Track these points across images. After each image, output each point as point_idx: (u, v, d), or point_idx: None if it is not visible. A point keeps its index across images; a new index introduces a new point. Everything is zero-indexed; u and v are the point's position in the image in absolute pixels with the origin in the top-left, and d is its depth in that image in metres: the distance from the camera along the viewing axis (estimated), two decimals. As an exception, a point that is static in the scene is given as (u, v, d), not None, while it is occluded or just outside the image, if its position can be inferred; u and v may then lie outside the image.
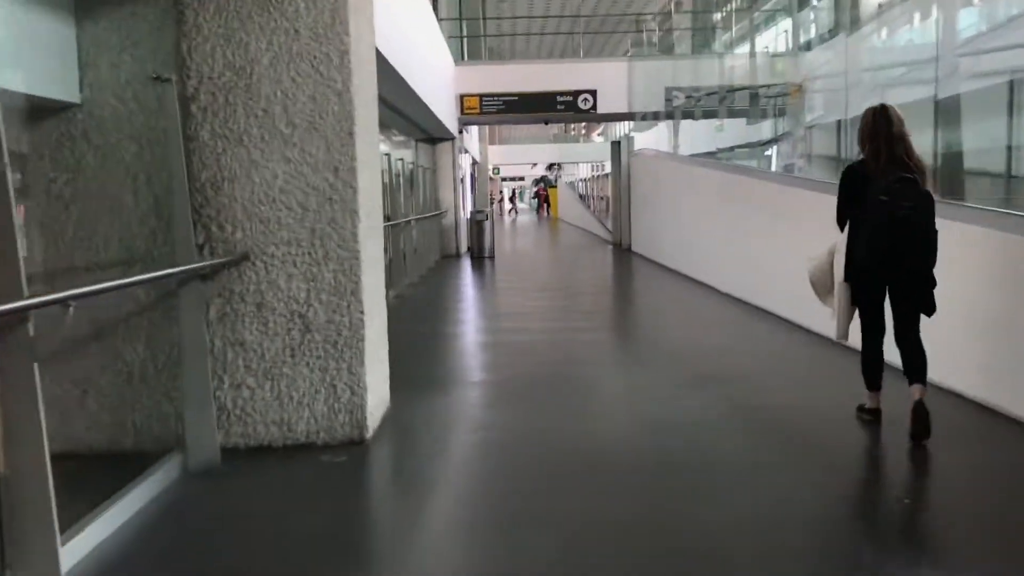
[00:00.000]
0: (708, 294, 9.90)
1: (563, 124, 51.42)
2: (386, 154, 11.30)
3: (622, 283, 12.82)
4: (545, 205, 47.13)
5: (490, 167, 38.49)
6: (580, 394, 5.33)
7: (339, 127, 3.99)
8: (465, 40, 19.04)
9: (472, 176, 21.28)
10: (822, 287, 4.31)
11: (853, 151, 5.52)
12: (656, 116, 16.56)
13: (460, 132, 17.89)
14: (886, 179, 3.84)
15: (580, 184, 35.66)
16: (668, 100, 16.72)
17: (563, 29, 19.33)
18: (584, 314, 9.26)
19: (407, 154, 14.89)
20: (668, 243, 13.59)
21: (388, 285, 10.32)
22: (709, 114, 16.94)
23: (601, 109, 17.30)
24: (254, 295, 3.99)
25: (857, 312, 4.19)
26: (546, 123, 19.04)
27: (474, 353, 7.15)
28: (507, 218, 44.56)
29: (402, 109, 13.47)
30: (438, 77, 15.54)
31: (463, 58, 18.62)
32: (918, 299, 3.99)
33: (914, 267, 3.92)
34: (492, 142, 41.88)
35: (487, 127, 32.13)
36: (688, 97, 16.54)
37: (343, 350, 4.03)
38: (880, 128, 3.96)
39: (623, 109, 17.34)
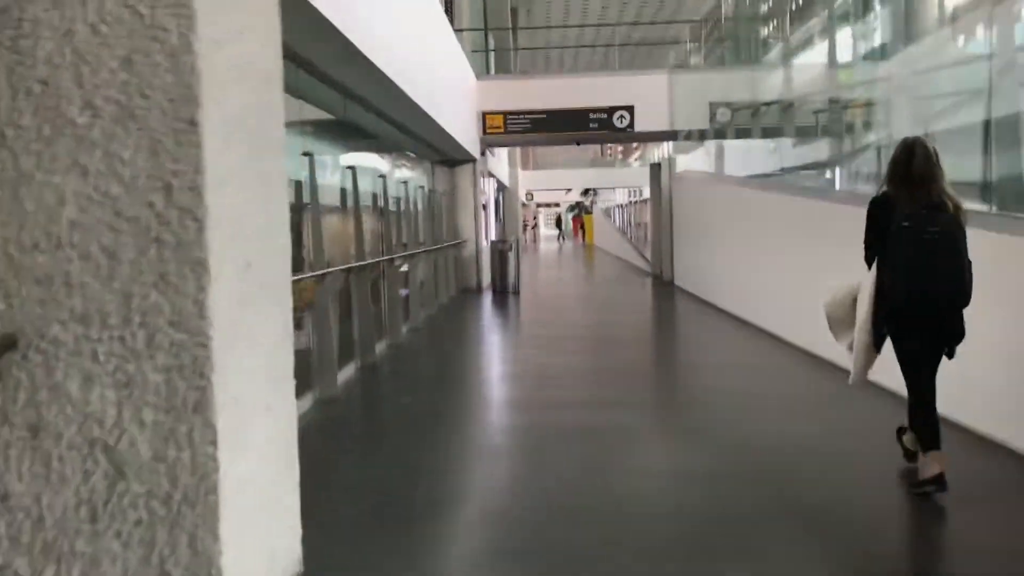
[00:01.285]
0: (776, 349, 8.01)
1: (598, 146, 49.81)
2: (381, 175, 9.67)
3: (667, 331, 10.92)
4: (580, 231, 45.47)
5: (522, 193, 36.95)
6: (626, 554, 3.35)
7: (173, 113, 2.25)
8: (491, 53, 17.46)
9: (497, 202, 19.60)
10: (837, 323, 4.10)
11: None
12: (702, 135, 14.72)
13: (483, 154, 16.26)
14: (911, 208, 3.71)
15: (616, 211, 33.85)
16: (713, 116, 14.90)
17: (598, 41, 17.66)
18: (623, 379, 7.36)
19: (416, 177, 13.26)
20: (720, 280, 11.72)
21: (378, 335, 8.65)
22: (760, 132, 15.09)
23: (639, 127, 15.54)
24: (25, 412, 2.25)
25: (898, 363, 3.89)
26: (577, 143, 17.37)
27: (473, 453, 5.07)
28: (542, 247, 42.85)
29: (410, 128, 11.88)
30: (455, 93, 13.95)
31: (488, 71, 17.01)
32: (948, 337, 3.72)
33: (945, 299, 3.66)
34: (525, 167, 40.39)
35: (518, 150, 30.54)
36: (735, 111, 14.71)
37: (181, 511, 2.26)
38: (904, 166, 3.79)
39: (663, 127, 15.55)
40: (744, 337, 8.90)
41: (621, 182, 34.39)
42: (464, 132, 14.34)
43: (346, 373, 6.98)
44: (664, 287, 15.82)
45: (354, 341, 7.51)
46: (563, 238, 46.33)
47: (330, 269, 6.36)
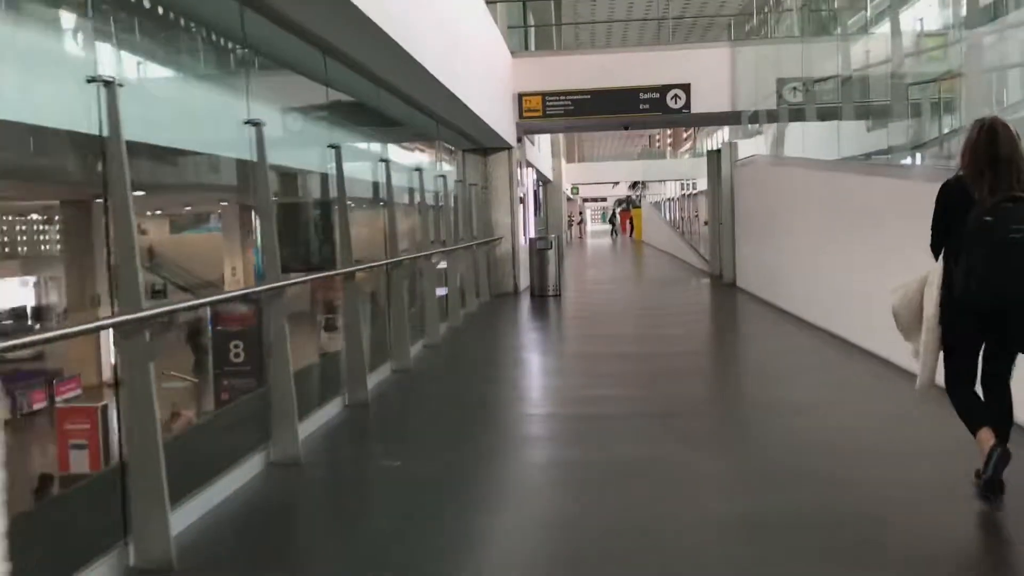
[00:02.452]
0: (886, 376, 6.14)
1: (645, 138, 47.71)
2: (383, 160, 8.01)
3: (734, 349, 8.98)
4: (628, 226, 43.46)
5: (567, 186, 35.14)
6: None
7: None
8: (529, 27, 15.71)
9: (536, 195, 17.87)
10: (907, 323, 3.73)
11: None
12: (772, 117, 12.74)
13: (519, 140, 14.55)
14: (992, 199, 3.34)
15: (667, 204, 31.83)
16: (782, 95, 12.94)
17: (650, 13, 15.74)
18: (686, 421, 5.60)
19: (438, 165, 11.59)
20: (799, 283, 9.81)
21: (384, 355, 7.01)
22: (832, 112, 13.04)
23: (696, 108, 13.66)
24: None
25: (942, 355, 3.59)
26: (626, 128, 15.56)
27: (480, 537, 3.55)
28: (589, 242, 40.97)
29: (433, 110, 10.23)
30: (486, 71, 12.26)
31: (527, 47, 15.25)
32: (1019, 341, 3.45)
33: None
34: (571, 159, 38.58)
35: (561, 140, 28.68)
36: (808, 90, 12.72)
37: None
38: (984, 147, 3.42)
39: (724, 107, 13.64)
40: (840, 360, 7.04)
41: (671, 174, 32.37)
42: (497, 116, 12.64)
43: (316, 422, 5.33)
44: (724, 290, 13.91)
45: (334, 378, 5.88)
46: (616, 233, 44.25)
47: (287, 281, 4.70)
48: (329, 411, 5.62)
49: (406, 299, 7.63)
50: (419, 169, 9.27)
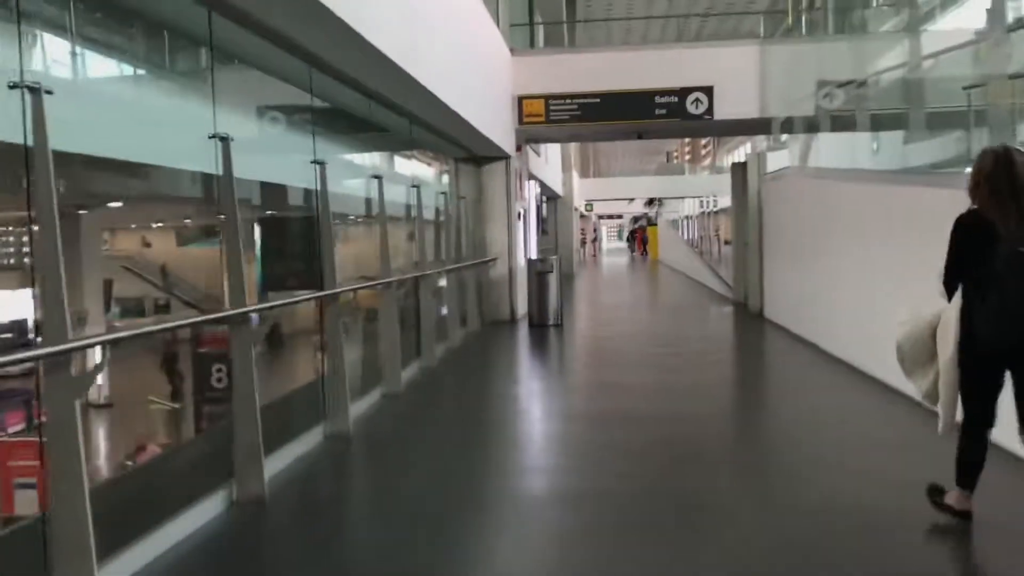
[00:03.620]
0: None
1: (663, 155, 46.00)
2: (319, 164, 6.39)
3: (777, 412, 7.14)
4: (642, 246, 41.83)
5: (581, 203, 33.51)
6: None
7: None
8: (536, 24, 14.09)
9: (539, 211, 16.20)
10: (912, 362, 3.60)
11: None
12: (812, 125, 10.96)
13: (519, 149, 12.93)
14: (1021, 231, 3.21)
15: (685, 223, 30.09)
16: (830, 96, 11.23)
17: (672, 10, 14.06)
18: (724, 531, 3.91)
19: (420, 176, 9.98)
20: (845, 321, 8.07)
21: (322, 413, 5.36)
22: (891, 120, 11.27)
23: (720, 114, 12.01)
24: None
25: (967, 389, 3.43)
26: (639, 136, 13.91)
27: None
28: (604, 261, 39.24)
29: (416, 113, 8.67)
30: (479, 71, 10.71)
31: (533, 44, 13.62)
32: None
33: None
34: (585, 174, 36.96)
35: (573, 153, 26.97)
36: (851, 89, 10.99)
37: None
38: (1005, 177, 3.28)
39: (751, 113, 11.98)
40: (915, 433, 5.28)
41: (689, 191, 30.60)
42: (492, 121, 11.06)
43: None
44: (751, 321, 12.16)
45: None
46: (635, 251, 42.40)
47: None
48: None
49: (353, 337, 6.01)
50: (382, 178, 7.63)
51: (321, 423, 5.58)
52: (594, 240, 48.77)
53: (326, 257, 5.71)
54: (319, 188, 5.82)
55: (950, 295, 3.42)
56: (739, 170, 14.24)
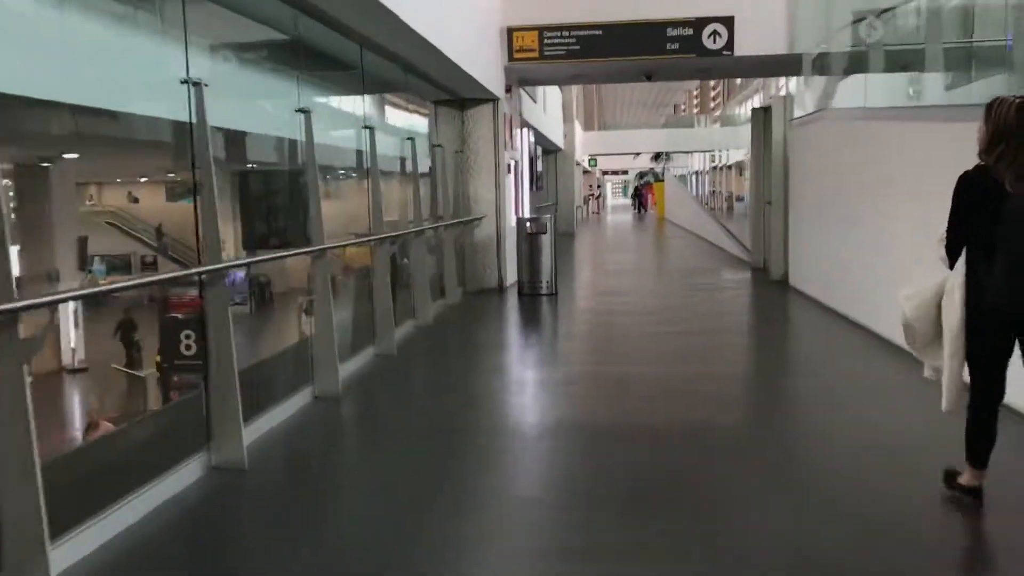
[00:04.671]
0: None
1: (671, 99, 43.91)
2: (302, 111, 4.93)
3: (812, 418, 5.57)
4: (648, 202, 40.20)
5: (584, 157, 31.78)
6: None
7: None
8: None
9: (533, 163, 14.49)
10: (922, 336, 3.33)
11: None
12: (853, 66, 9.20)
13: (509, 91, 11.24)
14: None
15: (695, 178, 28.32)
16: (872, 26, 9.48)
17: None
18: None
19: (391, 121, 8.37)
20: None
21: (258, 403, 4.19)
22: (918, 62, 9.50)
23: (741, 49, 10.29)
24: None
25: (967, 367, 3.23)
26: (648, 78, 12.16)
27: None
28: (608, 219, 37.54)
29: (384, 45, 7.06)
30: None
31: None
32: None
33: None
34: (589, 127, 35.11)
35: (574, 101, 25.09)
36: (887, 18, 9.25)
37: None
38: (1019, 128, 2.97)
39: (778, 48, 10.27)
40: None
41: (699, 145, 28.77)
42: (476, 57, 9.41)
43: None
44: (774, 291, 10.60)
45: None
46: (643, 209, 40.54)
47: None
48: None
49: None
50: (370, 127, 6.15)
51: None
52: (598, 197, 47.06)
53: (314, 212, 5.06)
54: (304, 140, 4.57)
55: (953, 260, 3.20)
56: (760, 116, 12.55)
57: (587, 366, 6.60)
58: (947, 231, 3.19)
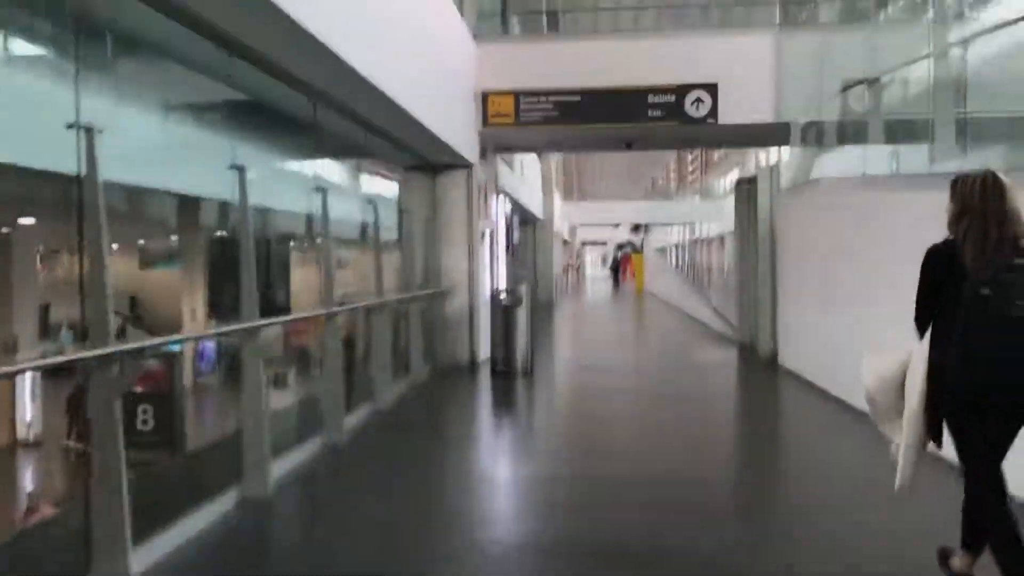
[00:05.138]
0: None
1: (649, 171, 44.08)
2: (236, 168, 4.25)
3: (836, 527, 4.89)
4: (626, 274, 39.90)
5: (563, 227, 31.46)
6: None
7: None
8: (508, 14, 11.87)
9: (509, 233, 13.93)
10: (885, 410, 3.19)
11: None
12: (847, 135, 8.73)
13: (484, 157, 10.72)
14: (991, 267, 2.85)
15: (676, 250, 27.98)
16: (848, 102, 9.11)
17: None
18: None
19: (359, 187, 7.76)
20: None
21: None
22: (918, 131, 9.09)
23: (726, 117, 9.87)
24: None
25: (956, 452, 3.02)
26: (628, 146, 11.72)
27: None
28: (588, 289, 37.07)
29: (345, 102, 6.53)
30: (436, 58, 8.61)
31: (506, 30, 11.39)
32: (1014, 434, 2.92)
33: None
34: (568, 197, 34.92)
35: (554, 171, 24.76)
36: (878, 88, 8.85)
37: None
38: (988, 202, 2.93)
39: (764, 117, 9.86)
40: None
41: (678, 217, 28.56)
42: (450, 121, 8.93)
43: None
44: (763, 371, 9.94)
45: None
46: (618, 282, 40.24)
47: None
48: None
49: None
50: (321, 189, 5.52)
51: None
52: (577, 268, 46.74)
53: (246, 283, 4.43)
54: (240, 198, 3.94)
55: (921, 332, 3.14)
56: (745, 187, 12.10)
57: (564, 465, 5.81)
58: (915, 304, 3.15)
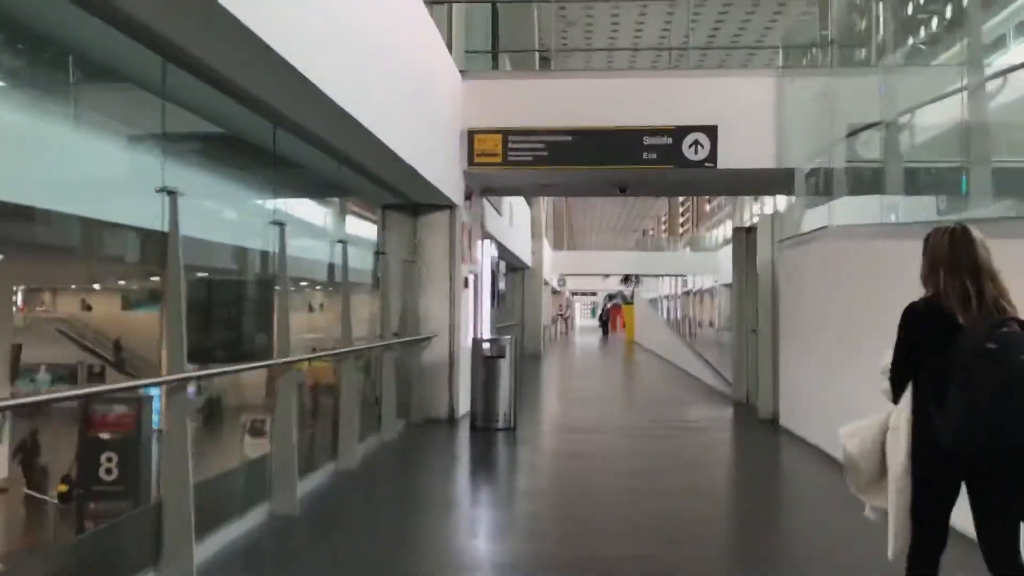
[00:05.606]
0: None
1: (639, 223, 43.80)
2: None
3: None
4: (616, 325, 39.36)
5: (553, 276, 30.89)
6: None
7: None
8: (496, 45, 11.37)
9: (495, 279, 13.30)
10: (867, 476, 3.09)
11: None
12: (862, 184, 8.16)
13: (469, 199, 10.13)
14: (986, 323, 2.74)
15: (667, 302, 27.42)
16: (855, 148, 8.61)
17: (670, 40, 11.45)
18: None
19: (325, 221, 7.14)
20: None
21: None
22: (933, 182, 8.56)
23: (725, 161, 9.34)
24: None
25: (916, 499, 2.94)
26: (622, 191, 11.16)
27: None
28: (577, 340, 36.38)
29: (327, 140, 5.99)
30: (421, 93, 8.10)
31: (496, 66, 10.84)
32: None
33: None
34: (559, 246, 34.44)
35: (544, 217, 24.19)
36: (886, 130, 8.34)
37: None
38: (962, 258, 2.86)
39: (765, 162, 9.34)
40: None
41: (670, 269, 28.07)
42: (433, 159, 8.39)
43: None
44: (765, 433, 9.25)
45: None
46: (607, 333, 39.60)
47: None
48: None
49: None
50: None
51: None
52: (567, 317, 46.15)
53: (174, 328, 3.83)
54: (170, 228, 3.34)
55: (897, 395, 3.01)
56: (742, 237, 11.56)
57: (547, 543, 5.06)
58: (892, 364, 3.05)
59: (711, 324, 18.27)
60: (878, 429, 3.08)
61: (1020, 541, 2.83)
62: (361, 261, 8.25)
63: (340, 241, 6.78)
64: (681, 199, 35.55)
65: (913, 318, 2.97)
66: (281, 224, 5.17)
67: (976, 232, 2.92)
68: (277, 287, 5.32)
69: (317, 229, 7.03)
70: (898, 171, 7.03)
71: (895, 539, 2.97)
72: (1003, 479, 2.78)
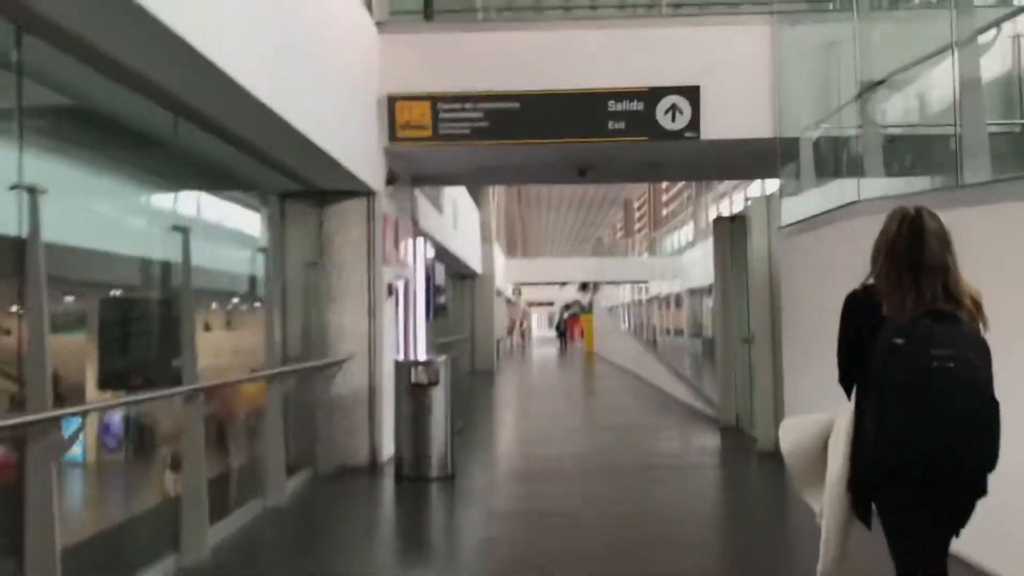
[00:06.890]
0: None
1: (595, 232, 42.22)
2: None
3: None
4: (575, 335, 37.68)
5: (506, 285, 28.97)
6: None
7: None
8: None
9: (432, 284, 11.15)
10: (805, 475, 2.82)
11: None
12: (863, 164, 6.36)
13: (391, 182, 8.06)
14: (906, 315, 2.46)
15: (630, 310, 25.60)
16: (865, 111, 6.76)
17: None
18: None
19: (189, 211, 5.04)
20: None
21: None
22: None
23: (710, 131, 7.47)
24: None
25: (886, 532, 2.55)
26: (581, 173, 9.16)
27: None
28: (534, 352, 34.45)
29: (195, 107, 3.94)
30: (322, 47, 6.07)
31: (430, 17, 8.61)
32: (957, 521, 2.48)
33: (956, 469, 2.37)
34: (512, 253, 32.50)
35: (494, 218, 21.93)
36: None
37: None
38: (907, 247, 2.51)
39: (760, 130, 7.50)
40: None
41: (631, 275, 26.30)
42: (341, 133, 6.38)
43: None
44: (766, 470, 7.35)
45: None
46: (565, 345, 37.88)
47: None
48: None
49: None
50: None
51: None
52: (523, 330, 44.31)
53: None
54: None
55: (848, 392, 2.71)
56: (726, 228, 9.70)
57: None
58: (836, 358, 2.72)
59: (678, 332, 16.54)
60: (819, 428, 2.79)
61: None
62: (240, 264, 6.17)
63: (177, 228, 4.62)
64: (637, 203, 33.92)
65: (851, 308, 2.68)
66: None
67: (934, 221, 2.51)
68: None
69: (161, 220, 4.90)
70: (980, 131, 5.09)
71: (825, 551, 2.65)
72: (916, 492, 2.42)
